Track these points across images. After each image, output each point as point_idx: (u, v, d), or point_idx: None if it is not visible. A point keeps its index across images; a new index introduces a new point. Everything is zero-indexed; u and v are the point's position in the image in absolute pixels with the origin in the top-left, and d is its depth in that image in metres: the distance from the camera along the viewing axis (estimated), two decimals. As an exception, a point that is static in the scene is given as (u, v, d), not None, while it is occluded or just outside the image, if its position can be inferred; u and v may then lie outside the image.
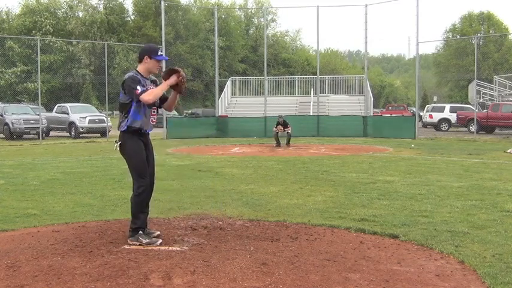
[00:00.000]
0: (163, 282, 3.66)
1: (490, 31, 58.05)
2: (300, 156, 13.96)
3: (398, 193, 7.55)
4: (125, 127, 4.72)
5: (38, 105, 23.68)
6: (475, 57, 26.71)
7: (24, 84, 41.79)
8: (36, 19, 50.31)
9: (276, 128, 18.01)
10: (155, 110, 4.89)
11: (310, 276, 3.79)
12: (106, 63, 24.52)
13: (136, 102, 4.66)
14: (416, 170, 10.39)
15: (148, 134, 4.92)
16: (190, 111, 41.87)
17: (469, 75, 43.37)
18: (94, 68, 48.27)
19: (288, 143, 18.02)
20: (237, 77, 37.82)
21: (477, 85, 29.56)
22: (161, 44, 23.77)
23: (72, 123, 24.14)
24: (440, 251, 4.50)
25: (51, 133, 25.75)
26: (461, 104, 38.03)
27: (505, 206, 6.42)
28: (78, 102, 36.28)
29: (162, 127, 23.17)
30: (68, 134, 24.74)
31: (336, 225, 5.48)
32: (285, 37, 70.93)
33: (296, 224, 5.57)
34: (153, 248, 4.54)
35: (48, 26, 49.57)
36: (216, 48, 28.22)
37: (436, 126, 30.82)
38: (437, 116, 31.06)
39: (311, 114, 27.66)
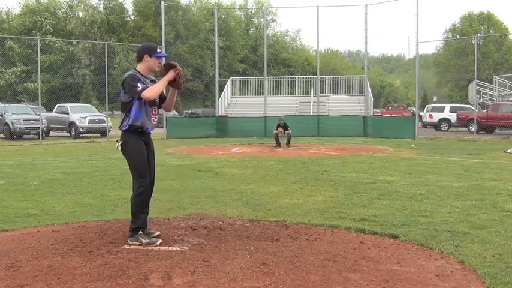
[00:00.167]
0: (163, 282, 3.66)
1: (490, 31, 58.06)
2: (300, 156, 13.96)
3: (398, 193, 7.55)
4: (127, 126, 4.72)
5: (38, 105, 23.68)
6: (475, 57, 26.71)
7: (24, 84, 41.80)
8: (36, 19, 50.32)
9: (276, 130, 18.02)
10: (156, 110, 4.89)
11: (310, 276, 3.79)
12: (106, 63, 24.52)
13: (138, 100, 4.66)
14: (416, 170, 10.39)
15: (150, 133, 4.92)
16: (190, 111, 41.86)
17: (469, 75, 43.38)
18: (94, 68, 48.28)
19: (288, 143, 18.02)
20: (237, 77, 37.82)
21: (477, 85, 29.56)
22: (161, 44, 23.78)
23: (72, 123, 24.14)
24: (440, 251, 4.50)
25: (51, 133, 25.75)
26: (461, 104, 38.04)
27: (505, 206, 6.42)
28: (78, 102, 36.28)
29: (162, 127, 23.17)
30: (68, 134, 24.74)
31: (336, 225, 5.48)
32: (285, 37, 70.98)
33: (296, 224, 5.57)
34: (153, 248, 4.54)
35: (48, 26, 49.59)
36: (216, 48, 28.21)
37: (436, 126, 30.82)
38: (437, 116, 31.06)
39: (311, 114, 27.66)
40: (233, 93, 32.88)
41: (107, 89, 23.91)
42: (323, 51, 71.88)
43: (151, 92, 4.62)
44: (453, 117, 29.94)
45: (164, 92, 5.03)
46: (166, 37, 28.28)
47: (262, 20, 63.01)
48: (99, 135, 24.31)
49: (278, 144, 17.74)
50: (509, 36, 57.73)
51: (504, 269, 3.97)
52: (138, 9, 57.28)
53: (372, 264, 4.12)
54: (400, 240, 4.89)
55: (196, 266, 4.01)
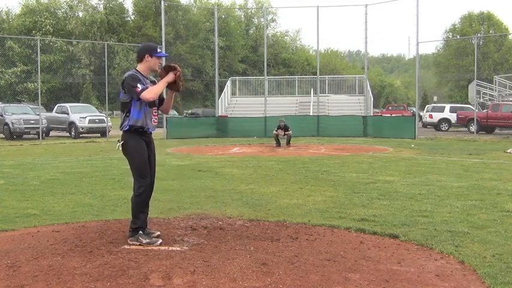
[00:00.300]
0: (163, 282, 3.66)
1: (490, 31, 58.08)
2: (300, 156, 13.96)
3: (398, 193, 7.55)
4: (127, 126, 4.72)
5: (38, 105, 23.69)
6: (475, 57, 26.71)
7: (24, 84, 41.81)
8: (36, 19, 50.34)
9: (276, 131, 18.02)
10: (156, 111, 4.89)
11: (310, 276, 3.79)
12: (106, 63, 24.52)
13: (137, 100, 4.66)
14: (416, 170, 10.39)
15: (151, 133, 4.92)
16: (190, 111, 41.87)
17: (469, 75, 43.38)
18: (94, 68, 48.30)
19: (288, 143, 18.02)
20: (237, 77, 37.82)
21: (477, 85, 29.56)
22: (161, 44, 23.79)
23: (72, 123, 24.14)
24: (440, 251, 4.50)
25: (51, 133, 25.75)
26: (461, 104, 38.03)
27: (505, 206, 6.42)
28: (78, 102, 36.29)
29: (162, 127, 23.17)
30: (68, 134, 24.74)
31: (336, 225, 5.48)
32: (285, 37, 71.01)
33: (296, 224, 5.57)
34: (153, 248, 4.54)
35: (48, 26, 49.61)
36: (216, 48, 28.22)
37: (436, 126, 30.82)
38: (437, 116, 31.06)
39: (311, 114, 27.66)
40: (233, 93, 32.88)
41: (107, 89, 23.91)
42: (323, 51, 71.95)
43: (151, 93, 4.62)
44: (453, 117, 29.94)
45: (164, 94, 5.05)
46: (166, 37, 28.28)
47: (262, 20, 63.03)
48: (99, 135, 24.31)
49: (278, 144, 17.74)
50: (509, 36, 57.77)
51: (504, 269, 3.97)
52: (138, 9, 57.30)
53: (372, 264, 4.12)
54: (400, 240, 4.89)
55: (196, 266, 4.01)
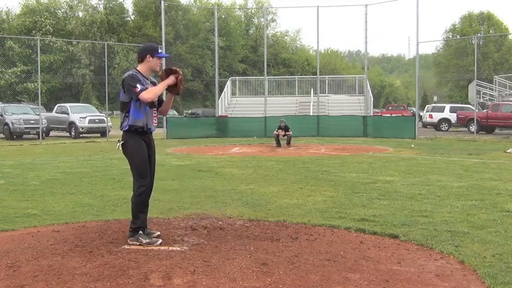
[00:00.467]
0: (163, 282, 3.66)
1: (490, 31, 58.08)
2: (300, 156, 13.96)
3: (398, 193, 7.55)
4: (127, 126, 4.72)
5: (38, 105, 23.69)
6: (475, 57, 26.70)
7: (24, 84, 41.81)
8: (36, 19, 50.35)
9: (276, 131, 18.03)
10: (155, 111, 4.89)
11: (310, 276, 3.79)
12: (106, 63, 24.52)
13: (136, 100, 4.66)
14: (416, 170, 10.39)
15: (151, 133, 4.92)
16: (190, 111, 41.87)
17: (469, 75, 43.38)
18: (94, 68, 48.30)
19: (288, 143, 18.02)
20: (237, 77, 37.82)
21: (477, 85, 29.56)
22: (161, 44, 23.79)
23: (72, 123, 24.14)
24: (440, 251, 4.50)
25: (51, 133, 25.75)
26: (461, 104, 38.04)
27: (505, 206, 6.42)
28: (78, 102, 36.29)
29: (162, 127, 23.17)
30: (68, 134, 24.74)
31: (336, 225, 5.48)
32: (285, 37, 71.03)
33: (296, 224, 5.57)
34: (153, 248, 4.54)
35: (48, 26, 49.62)
36: (216, 48, 28.22)
37: (436, 126, 30.82)
38: (437, 116, 31.06)
39: (311, 114, 27.66)
40: (233, 93, 32.89)
41: (107, 89, 23.92)
42: (323, 51, 71.95)
43: (150, 93, 4.62)
44: (453, 117, 29.94)
45: (163, 96, 5.05)
46: (166, 37, 28.29)
47: (262, 20, 63.04)
48: (99, 135, 24.31)
49: (278, 145, 17.74)
50: (509, 36, 57.77)
51: (504, 269, 3.97)
52: (138, 9, 57.31)
53: (372, 264, 4.12)
54: (400, 240, 4.89)
55: (196, 266, 4.01)
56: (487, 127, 26.38)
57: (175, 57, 44.70)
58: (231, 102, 31.77)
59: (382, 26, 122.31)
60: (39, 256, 4.29)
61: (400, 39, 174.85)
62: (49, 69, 42.91)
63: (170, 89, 4.84)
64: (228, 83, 32.31)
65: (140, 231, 4.70)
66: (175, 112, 41.20)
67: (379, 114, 36.31)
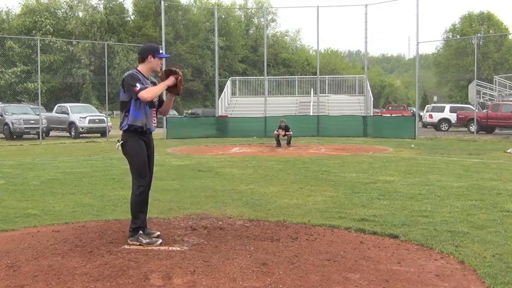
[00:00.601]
0: (163, 282, 3.65)
1: (490, 31, 58.07)
2: (300, 156, 13.96)
3: (398, 193, 7.55)
4: (126, 126, 4.72)
5: (38, 105, 23.69)
6: (475, 57, 26.70)
7: (24, 84, 41.81)
8: (36, 19, 50.35)
9: (277, 131, 18.03)
10: (155, 112, 4.89)
11: (310, 276, 3.79)
12: (106, 63, 24.52)
13: (135, 100, 4.66)
14: (416, 170, 10.39)
15: (151, 133, 4.92)
16: (190, 111, 41.87)
17: (469, 75, 43.38)
18: (94, 68, 48.31)
19: (288, 143, 18.02)
20: (237, 77, 37.82)
21: (477, 85, 29.56)
22: (161, 44, 23.78)
23: (72, 123, 24.14)
24: (440, 251, 4.50)
25: (51, 133, 25.75)
26: (461, 104, 38.03)
27: (505, 206, 6.42)
28: (78, 102, 36.29)
29: (162, 127, 23.18)
30: (68, 134, 24.74)
31: (336, 225, 5.48)
32: (285, 37, 71.02)
33: (296, 224, 5.57)
34: (153, 248, 4.54)
35: (48, 26, 49.62)
36: (216, 48, 28.21)
37: (436, 126, 30.82)
38: (437, 116, 31.06)
39: (311, 114, 27.66)
40: (233, 93, 32.88)
41: (106, 89, 23.92)
42: (323, 51, 71.94)
43: (149, 93, 4.61)
44: (453, 117, 29.94)
45: (163, 96, 5.06)
46: (166, 37, 28.28)
47: (262, 20, 63.04)
48: (99, 135, 24.31)
49: (278, 145, 17.74)
50: (509, 36, 57.76)
51: (504, 269, 3.97)
52: (138, 9, 57.31)
53: (372, 264, 4.12)
54: (400, 240, 4.89)
55: (196, 266, 4.01)
56: (487, 127, 26.38)
57: (175, 57, 44.71)
58: (231, 102, 31.77)
59: (382, 26, 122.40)
60: (39, 256, 4.29)
61: (400, 39, 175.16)
62: (49, 69, 42.91)
63: (170, 89, 4.84)
64: (228, 83, 32.31)
65: (140, 231, 4.70)
66: (176, 112, 41.20)
67: (379, 114, 36.31)
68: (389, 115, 32.56)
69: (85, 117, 23.89)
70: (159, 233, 4.96)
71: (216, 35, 27.96)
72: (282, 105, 29.50)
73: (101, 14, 53.88)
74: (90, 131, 24.12)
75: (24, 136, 23.07)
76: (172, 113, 36.62)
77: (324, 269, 3.98)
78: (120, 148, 4.80)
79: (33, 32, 47.60)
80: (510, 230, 5.21)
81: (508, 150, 14.96)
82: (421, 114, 31.74)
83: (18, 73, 42.42)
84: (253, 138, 22.56)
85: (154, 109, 4.87)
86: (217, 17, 28.73)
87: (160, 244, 4.64)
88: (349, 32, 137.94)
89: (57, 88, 44.04)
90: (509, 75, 35.69)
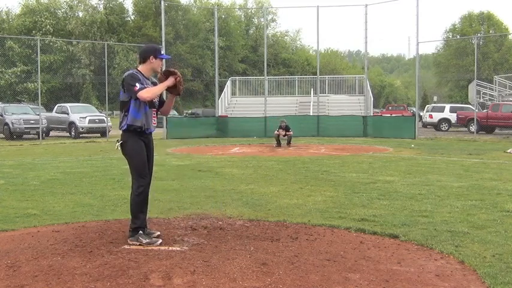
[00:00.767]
0: (163, 282, 3.66)
1: (490, 31, 58.05)
2: (300, 156, 13.96)
3: (398, 193, 7.55)
4: (125, 126, 4.72)
5: (38, 105, 23.69)
6: (475, 57, 26.70)
7: (24, 84, 41.81)
8: (36, 19, 50.33)
9: (277, 131, 18.04)
10: (155, 112, 4.89)
11: (310, 276, 3.79)
12: (106, 63, 24.53)
13: (135, 99, 4.66)
14: (416, 170, 10.39)
15: (150, 133, 4.92)
16: (190, 111, 41.86)
17: (469, 75, 43.37)
18: (94, 68, 48.29)
19: (288, 143, 18.03)
20: (237, 77, 37.82)
21: (477, 85, 29.56)
22: (161, 44, 23.78)
23: (72, 123, 24.14)
24: (440, 251, 4.50)
25: (51, 133, 25.76)
26: (461, 104, 38.03)
27: (505, 206, 6.42)
28: (78, 102, 36.29)
29: (162, 127, 23.18)
30: (68, 134, 24.74)
31: (336, 225, 5.48)
32: (285, 37, 70.99)
33: (296, 224, 5.57)
34: (153, 248, 4.54)
35: (48, 26, 49.60)
36: (216, 48, 28.22)
37: (436, 126, 30.82)
38: (437, 116, 31.06)
39: (311, 114, 27.66)
40: (233, 93, 32.88)
41: (106, 89, 23.92)
42: (323, 51, 71.93)
43: (149, 93, 4.61)
44: (453, 117, 29.94)
45: (164, 97, 5.06)
46: (166, 37, 28.28)
47: (262, 20, 63.02)
48: (99, 135, 24.32)
49: (278, 145, 17.74)
50: (509, 36, 57.74)
51: (504, 269, 3.97)
52: (138, 9, 57.28)
53: (372, 264, 4.12)
54: (400, 240, 4.89)
55: (196, 266, 4.01)
56: (487, 127, 26.38)
57: (175, 57, 44.68)
58: (231, 102, 31.77)
59: (382, 26, 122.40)
60: (39, 256, 4.29)
61: (400, 39, 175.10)
62: (49, 69, 42.90)
63: (171, 90, 4.85)
64: (228, 83, 32.31)
65: (140, 231, 4.70)
66: (176, 112, 41.20)
67: (379, 114, 36.31)
68: (389, 115, 32.56)
69: (85, 117, 23.90)
70: (159, 233, 4.96)
71: (216, 35, 27.96)
72: (282, 105, 29.50)
73: (101, 14, 53.86)
74: (90, 131, 24.13)
75: (24, 136, 23.08)
76: (172, 113, 36.58)
77: (324, 269, 3.98)
78: (119, 148, 4.80)
79: (33, 32, 47.59)
80: (510, 230, 5.21)
81: (508, 150, 14.96)
82: (421, 114, 31.74)
83: (18, 73, 42.41)
84: (253, 138, 22.56)
85: (155, 109, 4.88)
86: (217, 17, 28.72)
87: (160, 244, 4.64)
88: (349, 32, 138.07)
89: (57, 88, 44.04)
90: (509, 75, 35.68)
